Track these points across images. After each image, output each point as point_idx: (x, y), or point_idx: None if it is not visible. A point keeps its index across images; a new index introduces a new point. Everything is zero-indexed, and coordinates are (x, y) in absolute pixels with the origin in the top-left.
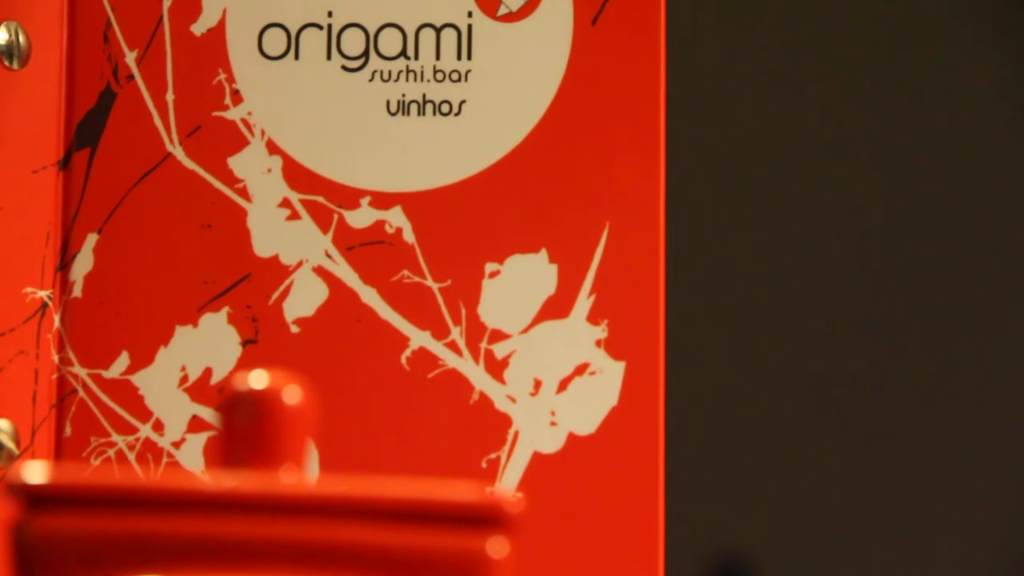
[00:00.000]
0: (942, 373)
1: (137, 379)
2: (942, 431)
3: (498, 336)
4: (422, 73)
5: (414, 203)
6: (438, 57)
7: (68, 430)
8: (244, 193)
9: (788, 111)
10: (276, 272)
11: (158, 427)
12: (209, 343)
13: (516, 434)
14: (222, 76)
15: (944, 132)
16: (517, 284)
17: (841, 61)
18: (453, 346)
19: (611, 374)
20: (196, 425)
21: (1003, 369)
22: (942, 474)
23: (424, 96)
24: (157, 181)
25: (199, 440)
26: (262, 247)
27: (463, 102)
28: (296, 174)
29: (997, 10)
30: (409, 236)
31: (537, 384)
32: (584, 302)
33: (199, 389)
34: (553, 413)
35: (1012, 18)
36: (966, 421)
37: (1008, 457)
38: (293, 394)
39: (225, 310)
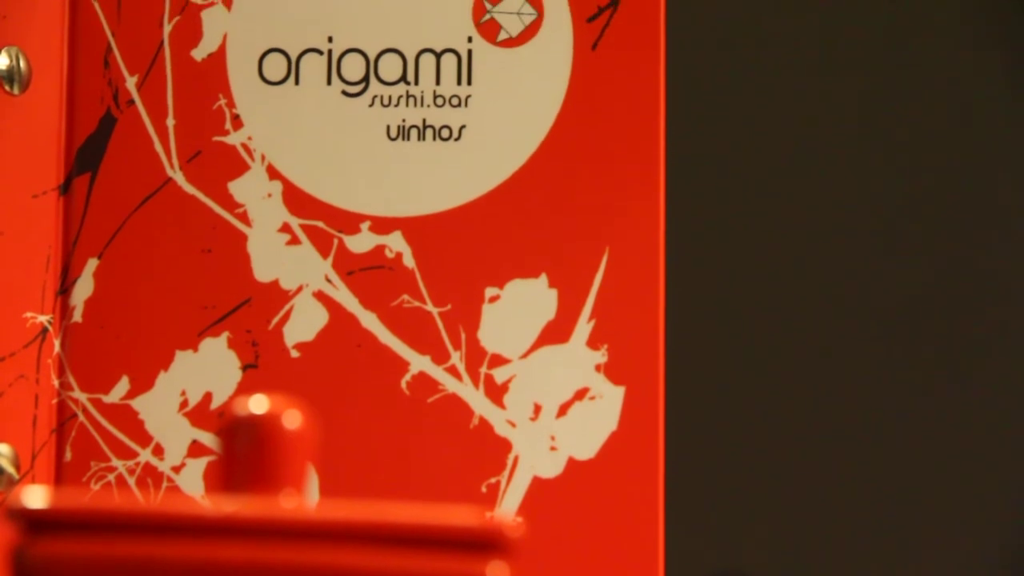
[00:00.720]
0: (951, 401)
1: (137, 404)
2: (954, 460)
3: (498, 361)
4: (422, 98)
5: (414, 228)
6: (438, 82)
7: (68, 454)
8: (244, 218)
9: (789, 135)
10: (276, 297)
11: (158, 452)
12: (209, 368)
13: (516, 459)
14: (222, 101)
15: (946, 132)
16: (517, 309)
17: (844, 81)
18: (453, 371)
19: (611, 399)
20: (196, 450)
21: (1012, 373)
22: (954, 501)
23: (424, 121)
24: (157, 206)
25: (199, 465)
26: (262, 272)
27: (463, 127)
28: (296, 199)
29: (999, 10)
30: (409, 261)
31: (537, 409)
32: (584, 327)
33: (199, 414)
34: (553, 438)
35: (1015, 18)
36: (978, 434)
37: (1018, 467)
38: (293, 419)
39: (225, 335)
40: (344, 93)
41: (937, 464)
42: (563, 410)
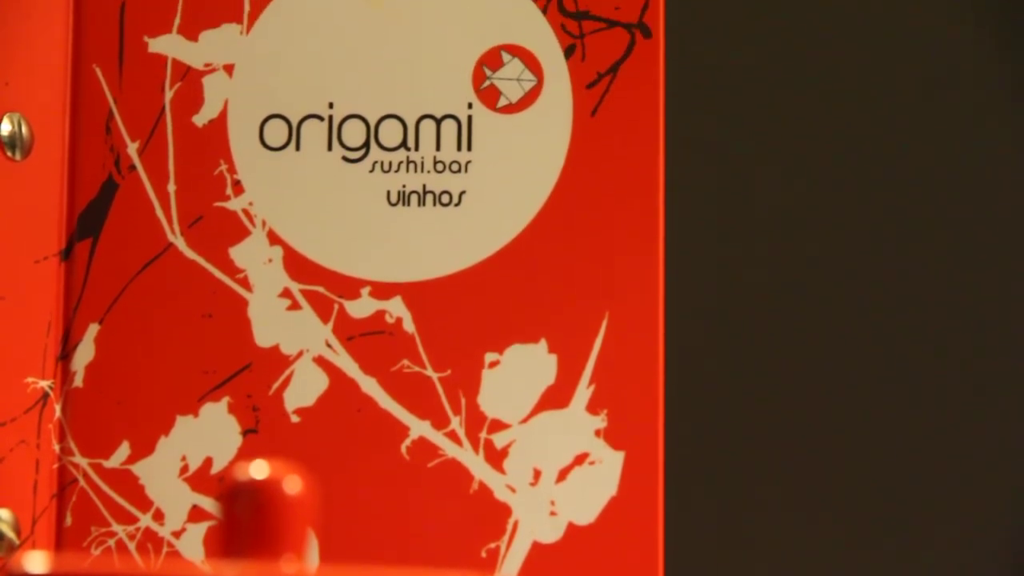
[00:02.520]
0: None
1: (138, 468)
2: (955, 461)
3: (498, 426)
4: (422, 164)
5: (414, 293)
6: (438, 148)
7: (69, 520)
8: (245, 283)
9: (792, 190)
10: (277, 362)
11: (158, 516)
12: (210, 433)
13: (516, 523)
14: (223, 167)
15: (947, 132)
16: (517, 374)
17: (839, 135)
18: (453, 436)
19: (610, 464)
20: (196, 515)
21: (1013, 373)
22: (954, 502)
23: (424, 187)
24: (158, 271)
25: (199, 530)
26: (263, 337)
27: (463, 193)
28: (297, 264)
29: (1001, 10)
30: (409, 326)
31: (537, 474)
32: (583, 392)
33: (200, 479)
34: (553, 503)
35: (1016, 18)
36: (978, 435)
37: (1019, 467)
38: (293, 484)
39: (226, 400)
40: (345, 159)
41: (937, 466)
42: (563, 475)
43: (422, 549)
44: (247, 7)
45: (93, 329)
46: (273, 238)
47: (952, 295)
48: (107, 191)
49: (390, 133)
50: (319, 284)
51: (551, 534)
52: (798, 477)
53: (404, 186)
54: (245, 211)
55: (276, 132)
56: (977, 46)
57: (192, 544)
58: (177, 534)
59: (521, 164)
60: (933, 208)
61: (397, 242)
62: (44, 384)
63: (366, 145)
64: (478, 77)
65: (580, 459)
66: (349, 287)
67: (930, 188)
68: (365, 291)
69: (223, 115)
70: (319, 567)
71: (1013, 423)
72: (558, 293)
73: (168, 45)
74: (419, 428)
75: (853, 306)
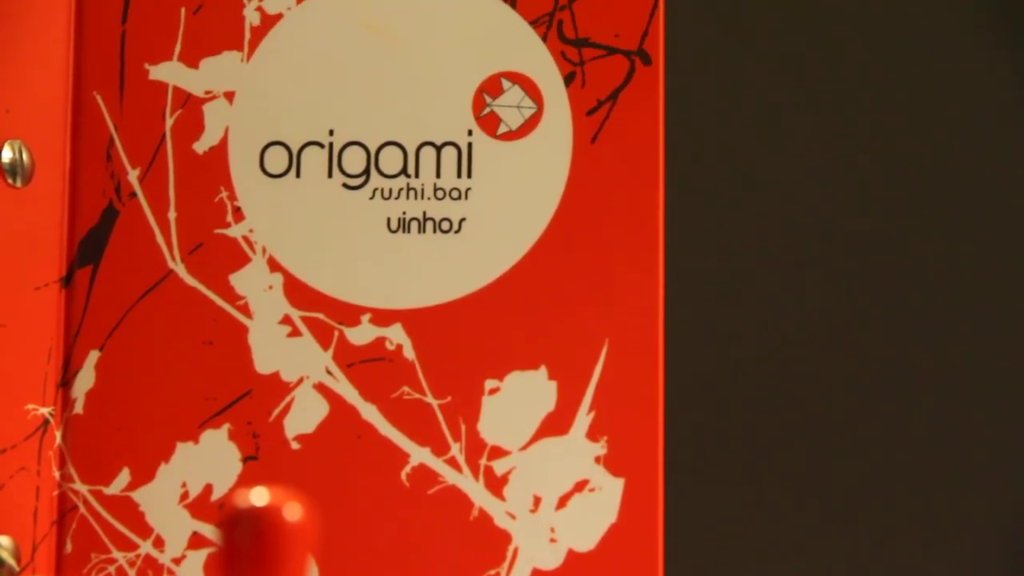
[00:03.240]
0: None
1: (138, 495)
2: (955, 461)
3: (498, 453)
4: (422, 191)
5: (414, 320)
6: (438, 175)
7: (69, 546)
8: (245, 310)
9: (791, 215)
10: (277, 389)
11: (159, 543)
12: (210, 459)
13: (516, 550)
14: (224, 194)
15: (948, 132)
16: (517, 401)
17: (840, 160)
18: (453, 462)
19: (610, 491)
20: (197, 542)
21: (1013, 373)
22: (954, 502)
23: (424, 214)
24: (159, 298)
25: (200, 557)
26: (263, 364)
27: (463, 220)
28: (297, 291)
29: (1002, 10)
30: (409, 353)
31: (536, 501)
32: (583, 419)
33: (200, 505)
34: (552, 530)
35: (1017, 19)
36: (979, 435)
37: (1019, 467)
38: (293, 511)
39: (226, 426)
40: (345, 186)
41: (937, 466)
42: (563, 502)
43: None
44: (247, 35)
45: (93, 356)
46: (273, 265)
47: (952, 296)
48: (108, 218)
49: (390, 160)
50: (319, 311)
51: (551, 561)
52: (800, 504)
53: (404, 213)
54: (245, 238)
55: (276, 159)
56: (977, 46)
57: (192, 571)
58: (177, 561)
59: (521, 191)
60: (933, 210)
61: (397, 269)
62: (44, 411)
63: (366, 172)
64: (478, 104)
65: (580, 486)
66: (349, 314)
67: (930, 190)
68: (365, 318)
69: (224, 142)
70: None
71: (1013, 423)
72: (558, 320)
73: (169, 72)
74: (419, 455)
75: (853, 327)
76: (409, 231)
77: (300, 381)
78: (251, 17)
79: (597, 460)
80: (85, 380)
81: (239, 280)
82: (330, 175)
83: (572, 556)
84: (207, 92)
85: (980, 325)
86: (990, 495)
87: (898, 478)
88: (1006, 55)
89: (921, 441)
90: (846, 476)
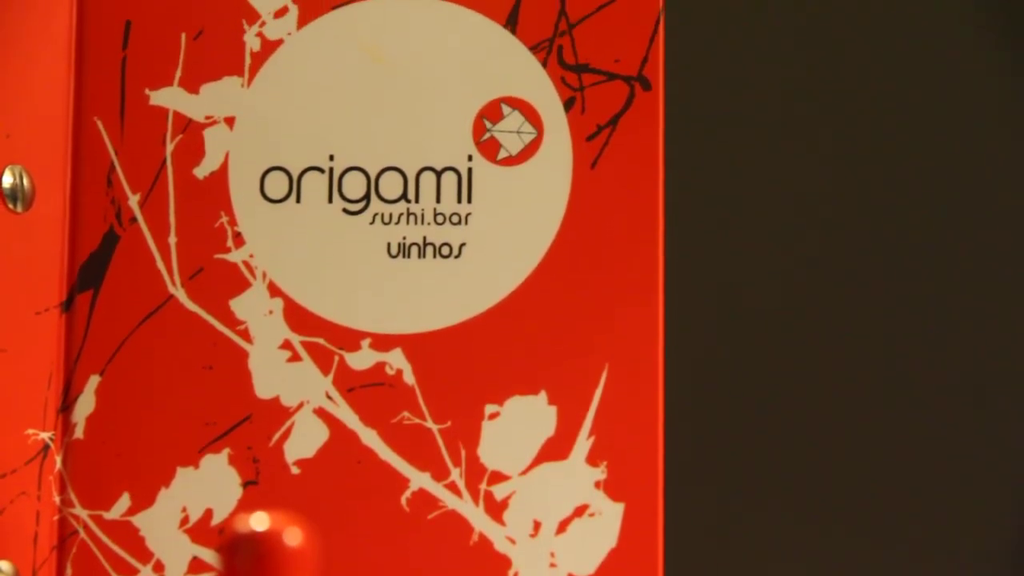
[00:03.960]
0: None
1: (138, 520)
2: (955, 462)
3: (498, 477)
4: (423, 216)
5: (414, 345)
6: (438, 200)
7: (69, 571)
8: (246, 335)
9: (793, 242)
10: (277, 413)
11: (159, 568)
12: (210, 484)
13: (516, 575)
14: (224, 219)
15: (948, 132)
16: (517, 426)
17: (841, 185)
18: (453, 487)
19: (610, 516)
20: (197, 566)
21: (1013, 373)
22: (955, 502)
23: (424, 239)
24: (159, 323)
25: None
26: (263, 388)
27: (463, 245)
28: (297, 316)
29: (1002, 10)
30: (409, 378)
31: (536, 525)
32: (583, 443)
33: (200, 530)
34: (552, 555)
35: (1017, 19)
36: (979, 435)
37: (1019, 467)
38: (293, 536)
39: (226, 451)
40: (345, 211)
41: (937, 467)
42: (563, 527)
43: None
44: (248, 60)
45: (94, 381)
46: (274, 290)
47: (952, 296)
48: (108, 243)
49: (390, 185)
50: (319, 336)
51: None
52: (803, 531)
53: (404, 238)
54: (246, 263)
55: (277, 184)
56: (978, 48)
57: None
58: None
59: (521, 216)
60: (935, 208)
61: (397, 294)
62: (45, 436)
63: (366, 197)
64: (478, 129)
65: (580, 511)
66: (349, 339)
67: (930, 193)
68: (365, 343)
69: (224, 167)
70: None
71: (1013, 423)
72: (558, 345)
73: (169, 98)
74: (419, 480)
75: (857, 347)
76: (409, 256)
77: (300, 406)
78: (251, 43)
79: (597, 485)
80: (85, 405)
81: (239, 305)
82: (330, 200)
83: None
84: (207, 117)
85: (980, 325)
86: (990, 495)
87: (902, 491)
88: (1006, 55)
89: (923, 444)
90: (850, 498)
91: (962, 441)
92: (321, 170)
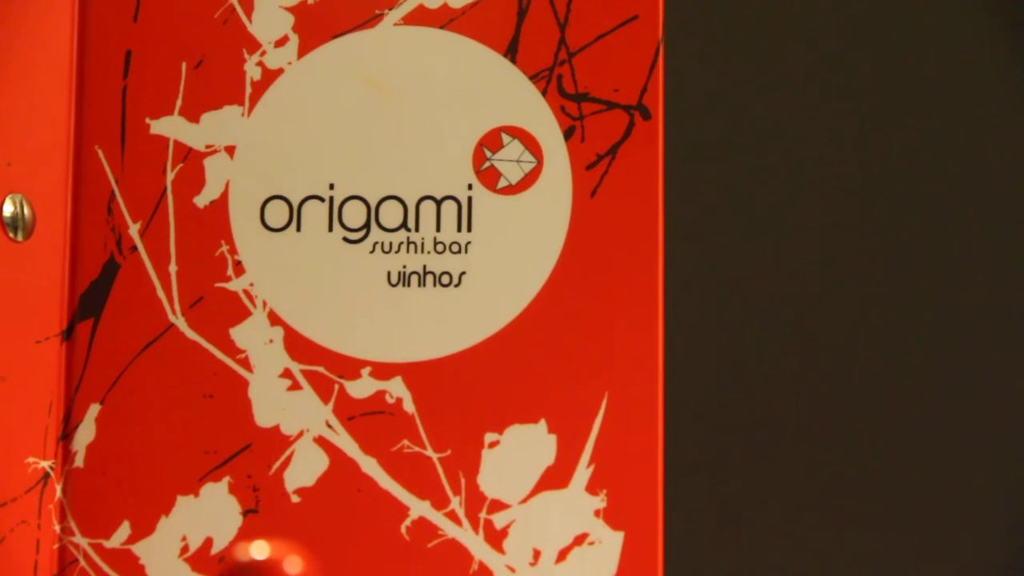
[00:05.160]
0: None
1: (138, 549)
2: (955, 461)
3: (498, 506)
4: (423, 245)
5: (414, 373)
6: (439, 229)
7: None
8: (246, 363)
9: (794, 268)
10: (277, 442)
11: None
12: (210, 513)
13: None
14: (224, 247)
15: (948, 132)
16: (516, 454)
17: (841, 214)
18: (453, 516)
19: (610, 544)
20: None
21: (1013, 373)
22: (955, 502)
23: (425, 267)
24: (159, 352)
25: None
26: (263, 417)
27: (463, 273)
28: (297, 345)
29: (1003, 10)
30: (409, 406)
31: (536, 554)
32: (583, 472)
33: (200, 559)
34: None
35: (1017, 19)
36: (979, 435)
37: (1019, 467)
38: (294, 564)
39: (226, 480)
40: (345, 239)
41: (937, 467)
42: (562, 555)
43: None
44: (248, 89)
45: (94, 409)
46: (274, 319)
47: (953, 297)
48: (108, 271)
49: (390, 214)
50: (319, 364)
51: None
52: (804, 555)
53: (404, 267)
54: (246, 292)
55: (277, 213)
56: (978, 49)
57: None
58: None
59: (521, 245)
60: (935, 208)
61: (397, 322)
62: (45, 464)
63: (367, 226)
64: (478, 158)
65: (580, 539)
66: (349, 367)
67: (933, 187)
68: (365, 371)
69: (224, 196)
70: None
71: (1013, 423)
72: (558, 373)
73: (170, 127)
74: (419, 508)
75: (855, 375)
76: (409, 285)
77: (300, 434)
78: (252, 72)
79: (597, 513)
80: (86, 433)
81: (239, 334)
82: (330, 229)
83: None
84: (208, 146)
85: (981, 325)
86: (991, 495)
87: (905, 509)
88: (1007, 55)
89: (922, 446)
90: (852, 521)
91: (962, 441)
92: (321, 199)
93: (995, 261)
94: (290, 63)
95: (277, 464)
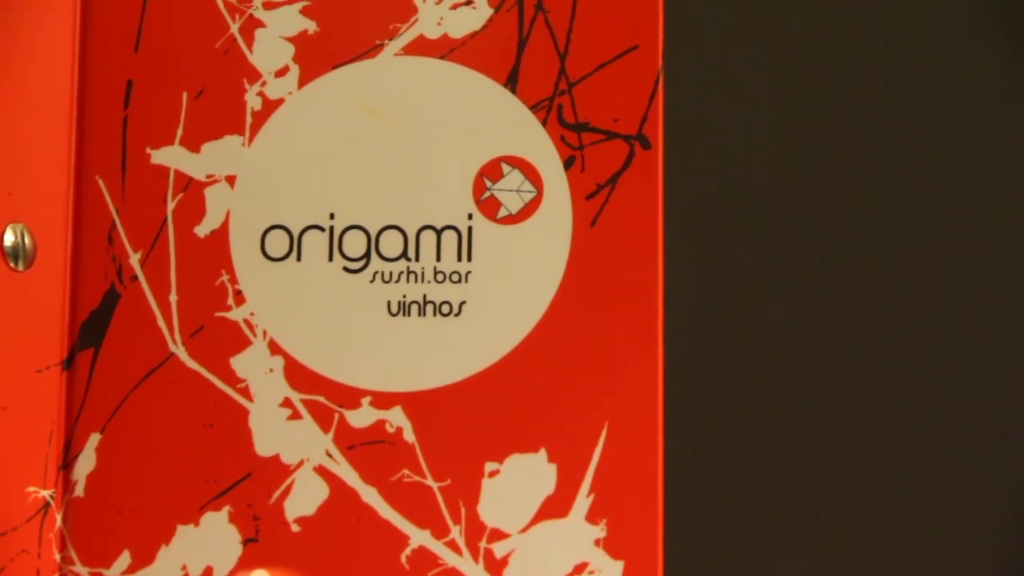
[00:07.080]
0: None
1: None
2: (956, 461)
3: (497, 535)
4: (423, 274)
5: (414, 403)
6: (439, 258)
7: None
8: (246, 393)
9: (793, 299)
10: (277, 471)
11: None
12: (210, 542)
13: None
14: (225, 277)
15: (948, 132)
16: (516, 483)
17: (840, 229)
18: (453, 545)
19: (610, 573)
20: None
21: (1013, 373)
22: (955, 502)
23: (425, 297)
24: (160, 381)
25: None
26: (263, 446)
27: (463, 303)
28: (297, 374)
29: (1003, 10)
30: (409, 435)
31: None
32: (583, 501)
33: None
34: None
35: (1017, 18)
36: (979, 435)
37: (1019, 467)
38: None
39: (226, 509)
40: (345, 269)
41: (937, 467)
42: None
43: None
44: (249, 119)
45: (94, 439)
46: (274, 348)
47: (953, 297)
48: (109, 301)
49: (391, 243)
50: (320, 394)
51: None
52: (804, 565)
53: (404, 296)
54: (246, 321)
55: (277, 243)
56: (978, 49)
57: None
58: None
59: (521, 274)
60: (935, 208)
61: (397, 352)
62: (45, 493)
63: (367, 255)
64: (478, 188)
65: (580, 568)
66: (349, 397)
67: (933, 187)
68: (365, 401)
69: (225, 226)
70: None
71: (1013, 423)
72: (557, 403)
73: (170, 156)
74: (419, 537)
75: (855, 404)
76: (409, 314)
77: (300, 464)
78: (252, 102)
79: (597, 543)
80: (86, 463)
81: (240, 363)
82: (331, 258)
83: None
84: (208, 176)
85: (981, 325)
86: (991, 495)
87: (904, 473)
88: (1007, 55)
89: (923, 449)
90: (856, 547)
91: (963, 442)
92: (321, 228)
93: (995, 261)
94: (291, 93)
95: (277, 493)
